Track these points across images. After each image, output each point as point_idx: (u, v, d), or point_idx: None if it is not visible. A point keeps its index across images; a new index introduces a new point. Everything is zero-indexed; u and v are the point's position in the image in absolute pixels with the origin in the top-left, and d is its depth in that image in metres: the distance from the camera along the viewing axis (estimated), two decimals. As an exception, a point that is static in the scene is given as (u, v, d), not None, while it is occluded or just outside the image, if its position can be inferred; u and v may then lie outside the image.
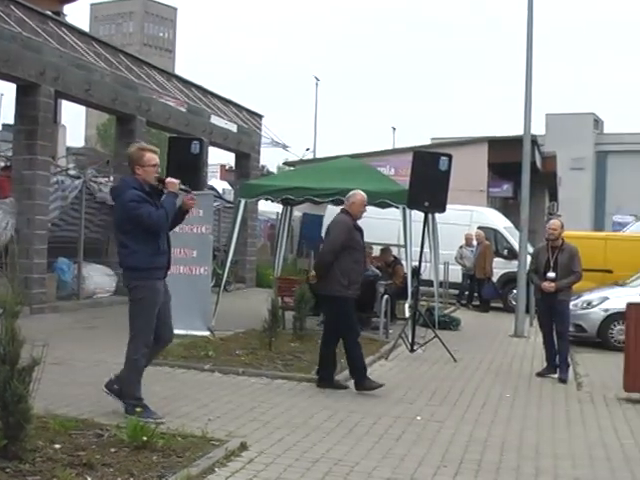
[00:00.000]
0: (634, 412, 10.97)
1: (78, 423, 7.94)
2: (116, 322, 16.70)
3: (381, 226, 20.28)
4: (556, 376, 13.07)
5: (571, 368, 13.43)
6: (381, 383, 10.98)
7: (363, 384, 10.96)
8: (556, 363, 13.24)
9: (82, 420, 8.12)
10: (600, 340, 17.70)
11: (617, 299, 17.31)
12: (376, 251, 19.71)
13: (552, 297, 13.09)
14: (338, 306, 11.10)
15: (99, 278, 20.88)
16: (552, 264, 13.11)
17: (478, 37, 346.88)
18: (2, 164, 21.41)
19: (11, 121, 21.06)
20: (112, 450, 7.13)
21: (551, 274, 13.07)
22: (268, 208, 29.28)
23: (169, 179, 8.88)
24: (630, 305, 12.02)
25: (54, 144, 23.70)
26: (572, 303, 14.39)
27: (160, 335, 8.98)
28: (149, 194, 8.68)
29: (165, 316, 8.95)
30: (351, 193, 11.47)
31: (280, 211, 21.20)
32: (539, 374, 13.36)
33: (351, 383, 11.15)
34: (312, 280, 11.61)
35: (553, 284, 12.97)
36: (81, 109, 39.38)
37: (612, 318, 17.49)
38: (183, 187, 8.99)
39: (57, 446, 7.12)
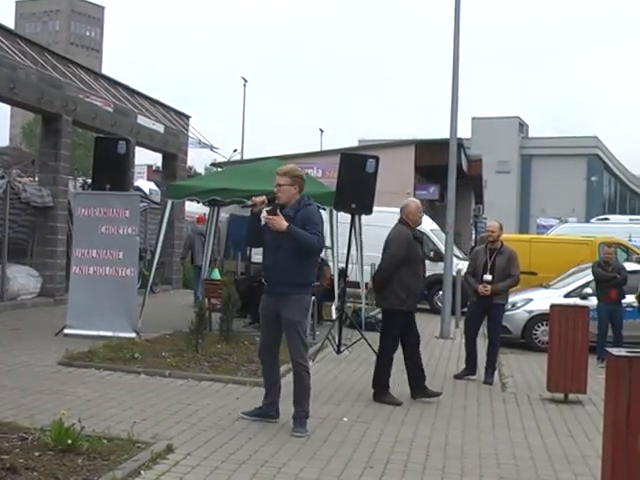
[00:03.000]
0: (557, 412, 11.12)
1: (1, 427, 7.82)
2: (40, 324, 16.58)
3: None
4: (474, 377, 13.13)
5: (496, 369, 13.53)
6: (400, 401, 10.93)
7: (383, 398, 10.94)
8: (475, 366, 13.27)
9: (5, 423, 7.99)
10: (524, 341, 17.96)
11: (541, 300, 17.62)
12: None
13: (488, 301, 13.02)
14: (393, 318, 11.10)
15: (23, 279, 20.60)
16: (490, 266, 13.07)
17: (407, 38, 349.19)
18: None
19: None
20: (36, 454, 7.04)
21: (487, 276, 13.00)
22: (195, 209, 29.14)
23: (255, 198, 8.78)
24: (553, 306, 12.19)
25: (-22, 144, 23.39)
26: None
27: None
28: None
29: (287, 339, 8.96)
30: (404, 203, 11.44)
31: (207, 212, 21.15)
32: (457, 376, 13.28)
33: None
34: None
35: (489, 287, 12.92)
36: (6, 108, 38.76)
37: (536, 319, 17.80)
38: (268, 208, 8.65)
39: (-21, 450, 7.00)
